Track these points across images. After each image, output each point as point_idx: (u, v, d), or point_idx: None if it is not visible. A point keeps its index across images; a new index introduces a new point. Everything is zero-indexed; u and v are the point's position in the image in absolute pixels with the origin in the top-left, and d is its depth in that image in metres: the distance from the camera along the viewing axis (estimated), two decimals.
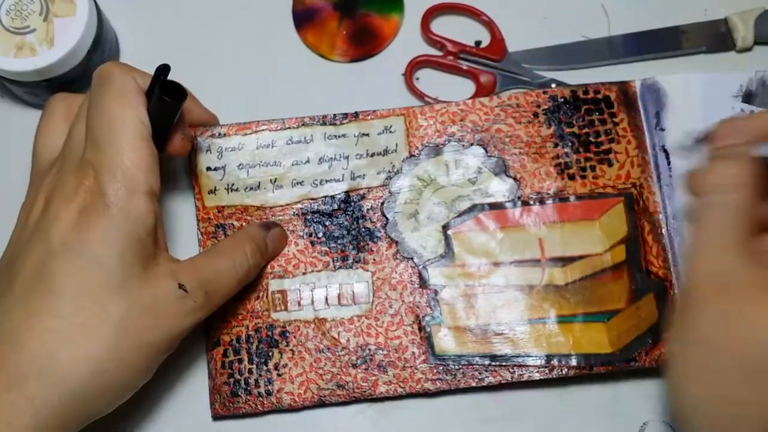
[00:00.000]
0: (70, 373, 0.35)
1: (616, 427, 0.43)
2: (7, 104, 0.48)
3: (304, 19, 0.49)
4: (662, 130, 0.45)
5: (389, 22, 0.49)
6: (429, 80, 0.48)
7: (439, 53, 0.48)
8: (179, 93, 0.38)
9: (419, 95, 0.47)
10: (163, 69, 0.38)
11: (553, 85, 0.47)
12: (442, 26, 0.49)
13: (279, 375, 0.43)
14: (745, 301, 0.33)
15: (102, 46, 0.45)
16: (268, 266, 0.44)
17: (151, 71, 0.46)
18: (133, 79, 0.38)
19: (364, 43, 0.48)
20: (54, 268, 0.35)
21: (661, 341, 0.42)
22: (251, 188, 0.45)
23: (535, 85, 0.47)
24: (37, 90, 0.45)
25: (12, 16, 0.43)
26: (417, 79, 0.48)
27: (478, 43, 0.48)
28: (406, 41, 0.49)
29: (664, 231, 0.44)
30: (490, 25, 0.48)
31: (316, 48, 0.49)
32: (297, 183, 0.45)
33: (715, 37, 0.48)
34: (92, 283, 0.35)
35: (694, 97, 0.45)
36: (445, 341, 0.43)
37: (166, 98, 0.38)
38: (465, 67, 0.48)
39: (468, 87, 0.48)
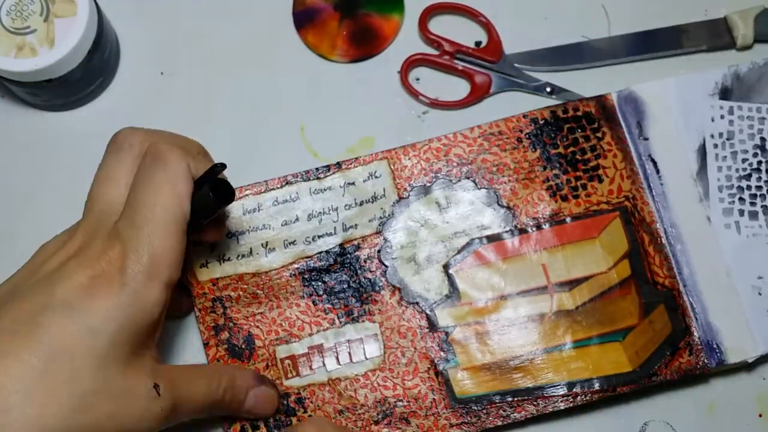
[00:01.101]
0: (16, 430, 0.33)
1: (616, 427, 0.43)
2: (7, 104, 0.48)
3: (304, 20, 0.49)
4: (646, 139, 0.45)
5: (390, 22, 0.49)
6: (425, 79, 0.48)
7: (436, 52, 0.48)
8: (228, 194, 0.37)
9: (414, 93, 0.47)
10: (220, 167, 0.37)
11: (548, 89, 0.47)
12: (441, 26, 0.49)
13: None
14: None
15: (102, 46, 0.45)
16: (273, 332, 0.43)
17: (151, 72, 0.47)
18: (188, 166, 0.37)
19: (365, 44, 0.48)
20: (47, 320, 0.34)
21: (679, 351, 0.42)
22: (243, 255, 0.43)
23: (530, 87, 0.47)
24: (38, 90, 0.45)
25: (12, 16, 0.43)
26: (417, 79, 0.48)
27: (478, 43, 0.48)
28: (407, 41, 0.49)
29: (663, 240, 0.43)
30: (487, 26, 0.48)
31: (317, 48, 0.48)
32: (289, 243, 0.43)
33: (715, 36, 0.48)
34: (75, 349, 0.34)
35: (671, 101, 0.45)
36: (464, 383, 0.42)
37: (213, 197, 0.37)
38: (460, 68, 0.48)
39: (463, 87, 0.48)
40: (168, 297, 0.36)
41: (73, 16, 0.43)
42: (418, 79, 0.48)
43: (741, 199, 0.44)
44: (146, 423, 0.36)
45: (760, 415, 0.43)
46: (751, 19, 0.48)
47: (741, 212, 0.44)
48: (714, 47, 0.48)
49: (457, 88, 0.48)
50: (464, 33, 0.49)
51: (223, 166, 0.37)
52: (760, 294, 0.43)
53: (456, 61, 0.48)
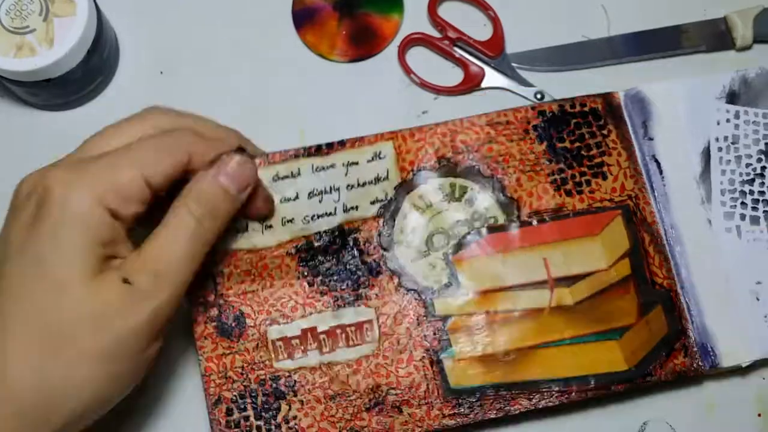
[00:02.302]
0: (14, 387, 0.33)
1: (616, 426, 0.43)
2: (6, 104, 0.48)
3: (303, 19, 0.48)
4: (651, 139, 0.44)
5: (389, 22, 0.48)
6: (419, 60, 0.48)
7: (438, 36, 0.48)
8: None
9: (407, 71, 0.47)
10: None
11: (538, 96, 0.47)
12: (449, 12, 0.49)
13: (289, 428, 0.40)
14: None
15: (101, 45, 0.45)
16: (265, 312, 0.41)
17: (151, 71, 0.47)
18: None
19: (364, 43, 0.48)
20: (5, 269, 0.34)
21: (675, 352, 0.42)
22: (238, 231, 0.42)
23: (521, 91, 0.47)
24: (37, 90, 0.45)
25: (12, 16, 0.43)
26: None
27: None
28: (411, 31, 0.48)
29: (663, 241, 0.43)
30: (495, 20, 0.48)
31: (316, 48, 0.48)
32: (287, 221, 0.42)
33: (715, 37, 0.48)
34: (34, 287, 0.33)
35: (678, 103, 0.45)
36: (459, 374, 0.41)
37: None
38: (457, 55, 0.48)
39: (457, 74, 0.48)
40: (115, 224, 0.35)
41: (73, 15, 0.43)
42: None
43: (743, 203, 0.44)
44: (139, 312, 0.34)
45: (759, 415, 0.43)
46: (750, 19, 0.48)
47: (743, 216, 0.44)
48: (713, 48, 0.48)
49: (450, 74, 0.48)
50: (469, 23, 0.48)
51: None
52: (758, 299, 0.43)
53: (455, 48, 0.48)
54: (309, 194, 0.42)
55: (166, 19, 0.49)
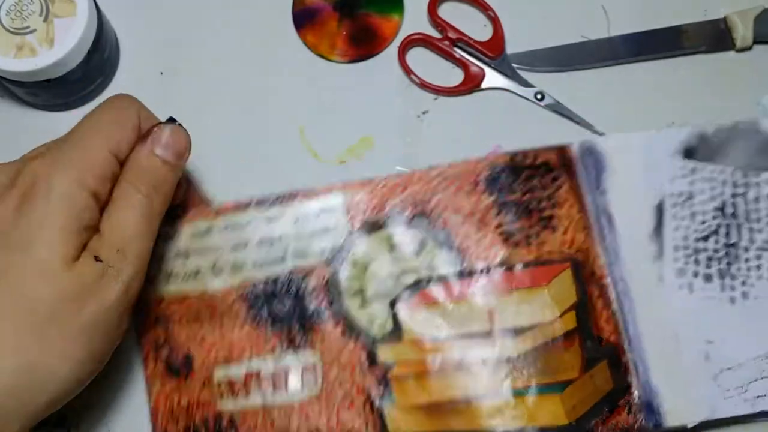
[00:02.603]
0: None
1: None
2: (7, 104, 0.48)
3: (303, 19, 0.49)
4: (604, 192, 0.44)
5: (389, 22, 0.49)
6: (420, 60, 0.49)
7: (438, 36, 0.49)
8: None
9: (407, 71, 0.48)
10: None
11: (538, 96, 0.47)
12: (450, 13, 0.49)
13: None
14: None
15: (102, 46, 0.46)
16: (213, 354, 0.43)
17: (151, 72, 0.49)
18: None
19: (364, 44, 0.49)
20: None
21: (618, 409, 0.42)
22: (190, 276, 0.44)
23: (522, 92, 0.48)
24: (37, 90, 0.45)
25: (12, 16, 0.44)
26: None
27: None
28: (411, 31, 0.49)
29: (612, 296, 0.43)
30: (495, 21, 0.49)
31: (316, 48, 0.49)
32: (238, 267, 0.44)
33: (715, 37, 0.48)
34: (16, 270, 0.35)
35: (634, 156, 0.45)
36: (399, 421, 0.42)
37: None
38: (458, 56, 0.48)
39: (457, 75, 0.49)
40: (96, 207, 0.37)
41: (73, 16, 0.43)
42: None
43: (696, 260, 0.43)
44: (113, 287, 0.36)
45: None
46: (750, 19, 0.48)
47: (695, 274, 0.43)
48: (713, 48, 0.48)
49: (450, 75, 0.49)
50: (469, 24, 0.49)
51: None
52: (707, 359, 0.42)
53: (455, 49, 0.48)
54: (259, 242, 0.44)
55: (166, 19, 0.49)
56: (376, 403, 0.42)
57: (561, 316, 0.43)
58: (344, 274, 0.44)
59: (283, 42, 0.49)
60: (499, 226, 0.44)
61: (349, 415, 0.42)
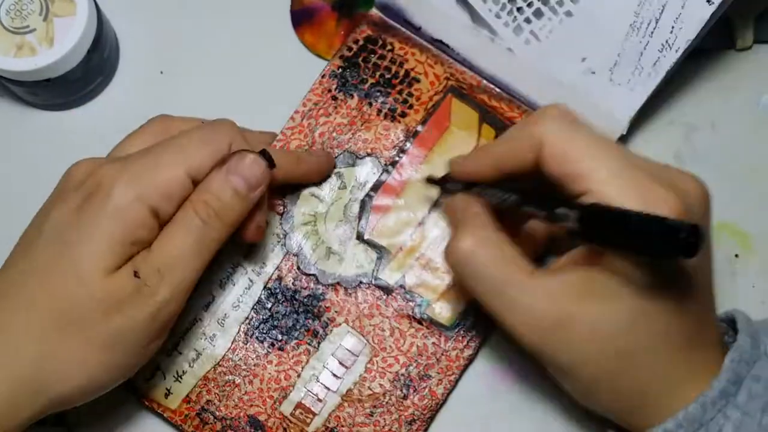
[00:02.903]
0: (18, 357, 0.35)
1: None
2: (7, 104, 0.48)
3: (302, 19, 0.49)
4: (419, 28, 0.47)
5: None
6: None
7: None
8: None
9: None
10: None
11: None
12: None
13: None
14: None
15: (102, 45, 0.45)
16: (268, 399, 0.42)
17: (151, 71, 0.48)
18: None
19: None
20: (35, 249, 0.36)
21: None
22: (194, 359, 0.42)
23: None
24: (37, 90, 0.45)
25: (12, 15, 0.44)
26: None
27: None
28: None
29: (495, 90, 0.46)
30: None
31: (314, 47, 0.48)
32: (222, 320, 0.43)
33: (715, 37, 0.47)
34: (58, 270, 0.35)
35: None
36: (445, 310, 0.44)
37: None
38: None
39: None
40: (153, 225, 0.36)
41: (73, 15, 0.43)
42: None
43: (519, 9, 0.46)
44: (141, 311, 0.36)
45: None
46: (750, 19, 0.48)
47: (528, 20, 0.47)
48: (713, 47, 0.49)
49: None
50: None
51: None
52: (593, 73, 0.46)
53: None
54: (221, 284, 0.43)
55: (166, 19, 0.49)
56: (418, 315, 0.43)
57: (479, 135, 0.46)
58: (305, 249, 0.44)
59: (282, 42, 0.49)
60: (379, 112, 0.46)
61: (408, 341, 0.43)
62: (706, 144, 0.48)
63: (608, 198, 0.34)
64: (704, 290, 0.37)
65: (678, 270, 0.35)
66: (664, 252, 0.30)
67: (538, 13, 0.46)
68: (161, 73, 0.48)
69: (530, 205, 0.37)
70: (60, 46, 0.43)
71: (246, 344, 0.43)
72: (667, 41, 0.44)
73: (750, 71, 0.49)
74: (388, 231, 0.44)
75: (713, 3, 0.42)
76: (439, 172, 0.45)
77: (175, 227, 0.37)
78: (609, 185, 0.34)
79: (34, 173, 0.45)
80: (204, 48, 0.49)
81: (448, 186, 0.42)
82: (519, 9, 0.46)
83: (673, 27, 0.43)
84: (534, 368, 0.43)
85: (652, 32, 0.44)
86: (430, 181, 0.44)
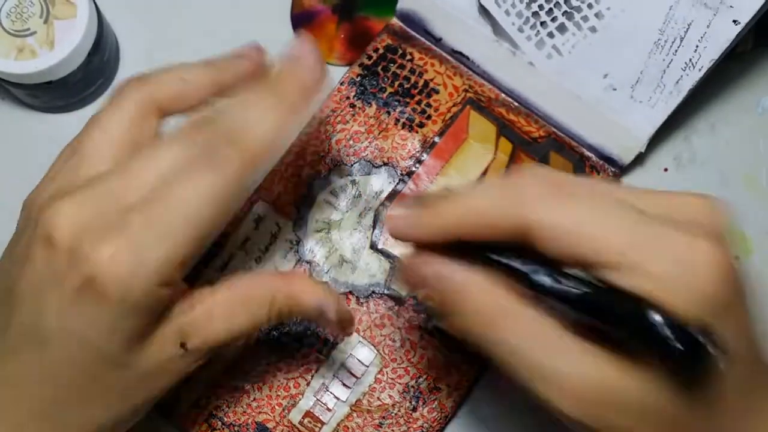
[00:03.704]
0: None
1: None
2: (7, 106, 0.48)
3: (302, 22, 0.48)
4: (439, 40, 0.47)
5: None
6: None
7: None
8: None
9: None
10: None
11: None
12: None
13: None
14: None
15: (102, 48, 0.45)
16: (277, 406, 0.42)
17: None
18: None
19: (363, 47, 0.47)
20: (47, 348, 0.31)
21: (591, 174, 0.45)
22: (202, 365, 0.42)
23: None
24: (38, 92, 0.45)
25: (12, 18, 0.44)
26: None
27: None
28: None
29: (515, 104, 0.46)
30: None
31: None
32: None
33: None
34: (85, 366, 0.31)
35: (437, 4, 0.47)
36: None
37: None
38: None
39: None
40: (174, 290, 0.32)
41: (73, 18, 0.43)
42: None
43: (543, 23, 0.47)
44: (178, 375, 0.34)
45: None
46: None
47: (551, 35, 0.47)
48: None
49: None
50: None
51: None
52: (614, 90, 0.46)
53: None
54: None
55: (166, 21, 0.49)
56: (429, 326, 0.43)
57: (496, 147, 0.45)
58: (318, 257, 0.44)
59: (282, 44, 0.48)
60: (396, 122, 0.46)
61: (418, 353, 0.43)
62: (706, 146, 0.48)
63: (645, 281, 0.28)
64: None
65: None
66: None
67: (561, 28, 0.46)
68: None
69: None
70: (61, 48, 0.43)
71: (256, 350, 0.42)
72: (690, 60, 0.44)
73: (749, 74, 0.49)
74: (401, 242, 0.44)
75: (739, 23, 0.42)
76: (456, 182, 0.45)
77: (241, 311, 0.34)
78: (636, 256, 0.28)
79: (34, 176, 0.44)
80: (204, 51, 0.48)
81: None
82: (543, 23, 0.46)
83: (697, 46, 0.43)
84: None
85: (676, 50, 0.44)
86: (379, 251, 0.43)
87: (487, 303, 0.31)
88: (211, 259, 0.43)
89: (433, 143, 0.45)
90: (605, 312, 0.28)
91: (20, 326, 0.32)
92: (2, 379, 0.32)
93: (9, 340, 0.32)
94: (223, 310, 0.34)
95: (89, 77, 0.46)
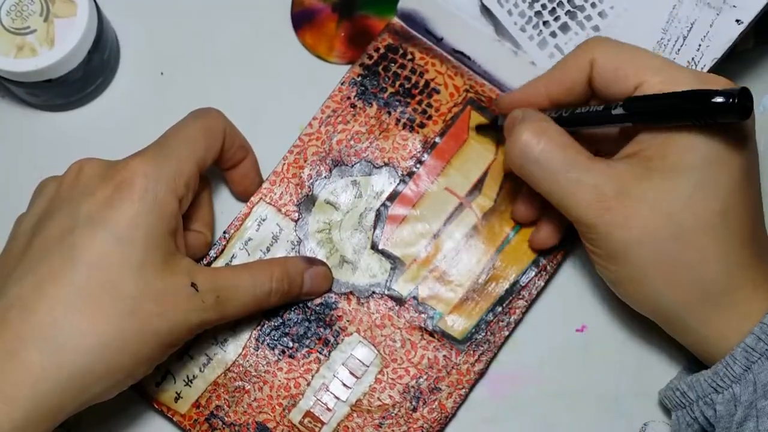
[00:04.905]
0: (72, 344, 0.35)
1: (617, 427, 0.44)
2: (7, 105, 0.48)
3: (302, 21, 0.49)
4: (440, 39, 0.46)
5: None
6: None
7: None
8: None
9: None
10: None
11: None
12: None
13: None
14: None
15: (102, 46, 0.45)
16: (277, 406, 0.42)
17: (151, 72, 0.48)
18: (224, 129, 0.42)
19: (363, 45, 0.48)
20: (76, 238, 0.36)
21: None
22: (204, 364, 0.42)
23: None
24: (38, 90, 0.45)
25: (12, 16, 0.44)
26: None
27: None
28: None
29: None
30: None
31: (315, 49, 0.48)
32: (234, 324, 0.43)
33: None
34: (110, 260, 0.36)
35: (439, 4, 0.47)
36: (457, 324, 0.43)
37: None
38: None
39: None
40: (180, 215, 0.39)
41: (73, 16, 0.43)
42: None
43: (545, 23, 0.46)
44: (192, 318, 0.37)
45: None
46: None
47: (553, 34, 0.46)
48: None
49: None
50: None
51: None
52: None
53: None
54: None
55: (167, 20, 0.49)
56: (430, 326, 0.43)
57: (497, 147, 0.45)
58: (319, 256, 0.44)
59: (282, 43, 0.49)
60: (397, 122, 0.46)
61: (418, 354, 0.43)
62: None
63: (665, 84, 0.36)
64: (753, 183, 0.38)
65: (732, 144, 0.36)
66: (722, 115, 0.34)
67: (564, 28, 0.46)
68: (161, 74, 0.48)
69: (585, 111, 0.39)
70: (61, 46, 0.43)
71: (257, 350, 0.43)
72: (693, 59, 0.43)
73: (750, 73, 0.49)
74: (403, 242, 0.44)
75: (742, 23, 0.42)
76: (456, 184, 0.45)
77: (248, 276, 0.40)
78: (661, 73, 0.37)
79: (34, 174, 0.45)
80: (204, 49, 0.49)
81: (499, 125, 0.43)
82: (545, 23, 0.45)
83: (700, 45, 0.43)
84: (535, 369, 0.43)
85: (678, 49, 0.43)
86: (481, 128, 0.45)
87: (541, 117, 0.40)
88: (214, 260, 0.43)
89: (434, 143, 0.45)
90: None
91: (50, 236, 0.36)
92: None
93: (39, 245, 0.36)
94: (229, 271, 0.40)
95: (89, 76, 0.46)
